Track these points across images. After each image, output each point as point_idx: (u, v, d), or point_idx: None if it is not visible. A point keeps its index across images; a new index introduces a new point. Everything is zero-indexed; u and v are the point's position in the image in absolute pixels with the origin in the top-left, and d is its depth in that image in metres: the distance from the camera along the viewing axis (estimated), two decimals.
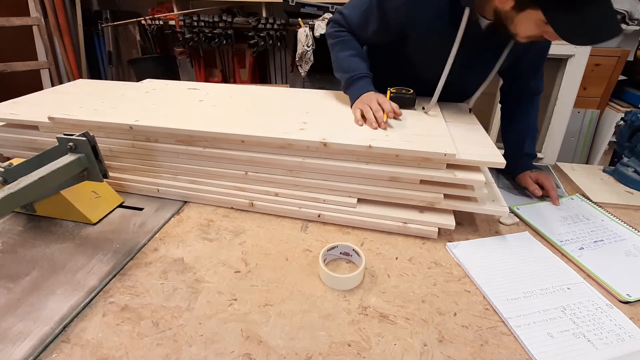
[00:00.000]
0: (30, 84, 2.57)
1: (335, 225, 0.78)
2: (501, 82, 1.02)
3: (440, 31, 0.81)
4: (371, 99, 0.85)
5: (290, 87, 2.58)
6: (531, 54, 0.89)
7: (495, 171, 0.99)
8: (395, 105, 0.84)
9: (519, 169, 0.97)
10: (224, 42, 2.48)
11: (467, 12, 0.75)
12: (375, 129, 0.78)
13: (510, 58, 0.84)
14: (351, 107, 0.90)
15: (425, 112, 0.89)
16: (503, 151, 0.97)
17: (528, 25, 0.69)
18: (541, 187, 0.91)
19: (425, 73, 0.96)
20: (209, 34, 2.44)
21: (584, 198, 0.91)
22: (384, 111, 0.81)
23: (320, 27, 2.21)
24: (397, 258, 0.70)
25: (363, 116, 0.83)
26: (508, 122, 1.02)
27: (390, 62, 0.98)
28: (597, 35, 0.64)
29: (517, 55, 0.87)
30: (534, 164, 0.99)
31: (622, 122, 1.02)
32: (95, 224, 0.77)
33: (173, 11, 2.56)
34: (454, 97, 1.02)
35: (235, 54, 2.71)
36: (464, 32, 0.77)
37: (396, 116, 0.83)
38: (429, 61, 0.90)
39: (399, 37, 0.88)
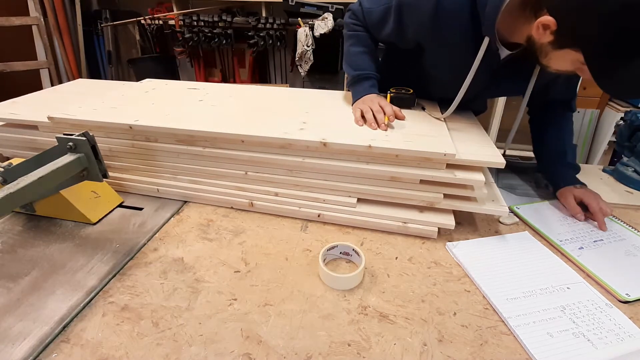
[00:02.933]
0: (29, 83, 2.57)
1: (335, 225, 0.78)
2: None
3: (459, 53, 0.78)
4: (373, 101, 0.84)
5: (290, 87, 2.58)
6: (560, 81, 0.85)
7: (496, 171, 0.99)
8: (396, 109, 0.83)
9: (561, 182, 0.87)
10: (224, 41, 2.48)
11: (486, 41, 0.72)
12: (375, 129, 0.78)
13: (536, 87, 0.81)
14: (352, 105, 0.90)
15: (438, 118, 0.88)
16: (536, 165, 0.91)
17: (564, 63, 0.65)
18: (586, 207, 0.82)
19: (437, 88, 0.96)
20: (209, 34, 2.44)
21: None
22: (384, 114, 0.80)
23: (320, 26, 2.21)
24: (397, 258, 0.70)
25: (363, 117, 0.82)
26: (543, 132, 0.94)
27: (406, 68, 0.96)
28: (629, 93, 0.61)
29: (544, 84, 0.83)
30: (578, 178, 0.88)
31: (621, 122, 1.02)
32: (95, 223, 0.77)
33: (173, 11, 2.56)
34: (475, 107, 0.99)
35: (235, 53, 2.71)
36: (482, 59, 0.73)
37: (398, 118, 0.83)
38: (443, 78, 0.89)
39: (416, 46, 0.85)
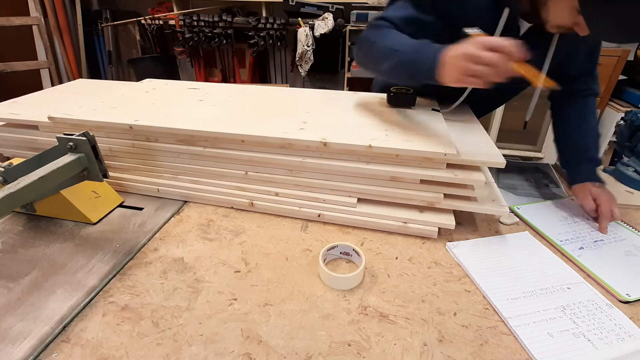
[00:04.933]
0: (30, 83, 2.57)
1: (335, 225, 0.78)
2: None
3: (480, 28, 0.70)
4: (467, 45, 0.59)
5: (290, 86, 2.58)
6: (579, 56, 0.82)
7: (496, 171, 0.99)
8: (513, 41, 0.57)
9: (578, 177, 0.83)
10: (224, 41, 2.48)
11: (505, 12, 0.69)
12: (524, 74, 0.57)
13: (555, 61, 0.76)
14: (443, 76, 0.63)
15: (437, 110, 0.84)
16: (557, 159, 0.86)
17: (561, 12, 0.63)
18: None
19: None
20: (209, 34, 2.45)
21: None
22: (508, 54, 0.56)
23: (321, 26, 2.21)
24: (397, 258, 0.70)
25: (472, 76, 0.58)
26: (564, 123, 0.89)
27: None
28: (632, 34, 0.56)
29: (562, 59, 0.78)
30: (598, 174, 0.83)
31: (622, 122, 1.02)
32: (95, 223, 0.77)
33: (173, 11, 2.56)
34: (485, 104, 0.92)
35: (235, 53, 2.72)
36: (501, 34, 0.69)
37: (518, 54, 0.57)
38: None
39: (441, 28, 0.75)
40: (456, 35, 0.64)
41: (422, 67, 0.66)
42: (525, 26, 0.73)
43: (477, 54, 0.56)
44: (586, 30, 0.60)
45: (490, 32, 0.70)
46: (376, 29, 0.77)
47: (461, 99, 0.81)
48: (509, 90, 0.86)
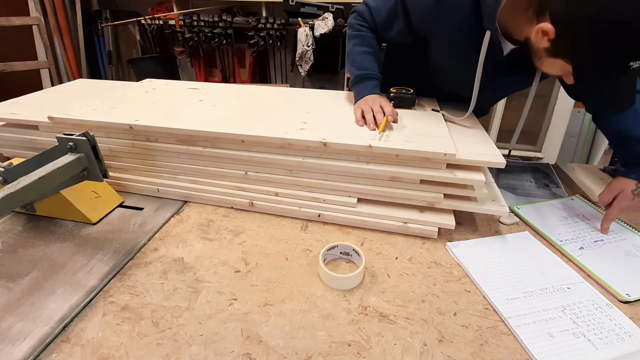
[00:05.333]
0: (30, 83, 2.57)
1: (335, 225, 0.78)
2: None
3: (461, 46, 0.79)
4: (374, 101, 0.84)
5: (290, 87, 2.58)
6: None
7: (496, 171, 0.99)
8: (395, 112, 0.83)
9: (627, 172, 0.78)
10: (224, 41, 2.48)
11: (487, 35, 0.72)
12: (373, 130, 0.78)
13: (543, 81, 0.81)
14: (354, 105, 0.90)
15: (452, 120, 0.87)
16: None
17: (554, 69, 0.67)
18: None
19: (443, 83, 0.95)
20: (209, 34, 2.44)
21: (583, 198, 0.90)
22: (384, 115, 0.80)
23: (320, 26, 2.21)
24: (397, 258, 0.70)
25: (364, 117, 0.82)
26: (617, 119, 0.82)
27: (409, 66, 0.96)
28: (612, 106, 0.63)
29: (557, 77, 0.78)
30: None
31: None
32: (95, 223, 0.77)
33: (173, 11, 2.56)
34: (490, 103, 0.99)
35: (235, 53, 2.71)
36: (487, 52, 0.74)
37: (394, 121, 0.82)
38: (449, 73, 0.89)
39: (422, 41, 0.85)
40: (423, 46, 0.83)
41: (354, 89, 0.93)
42: (508, 47, 0.76)
43: (370, 109, 0.82)
44: (572, 81, 0.64)
45: (474, 52, 0.75)
46: (357, 37, 0.93)
47: (470, 109, 0.84)
48: (506, 89, 0.89)
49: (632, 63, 0.57)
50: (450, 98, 0.97)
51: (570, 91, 0.86)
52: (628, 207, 0.77)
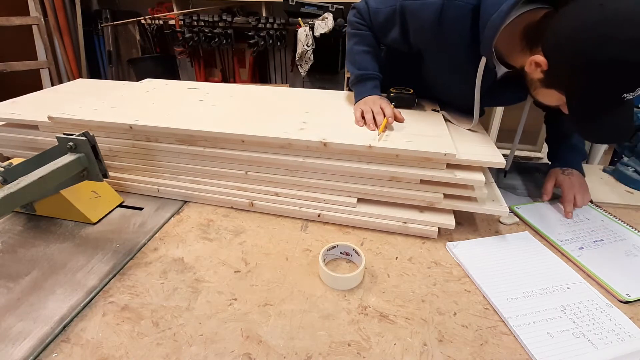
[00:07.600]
0: (30, 83, 2.57)
1: (335, 225, 0.78)
2: None
3: (458, 63, 0.79)
4: (375, 102, 0.84)
5: (290, 86, 2.58)
6: None
7: (496, 171, 0.99)
8: (397, 111, 0.83)
9: (555, 162, 0.87)
10: (224, 41, 2.48)
11: (483, 60, 0.73)
12: (373, 130, 0.78)
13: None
14: (354, 105, 0.90)
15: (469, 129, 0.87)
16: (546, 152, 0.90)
17: (550, 99, 0.67)
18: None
19: (439, 93, 0.96)
20: (209, 34, 2.44)
21: None
22: (384, 115, 0.79)
23: (320, 26, 2.21)
24: (397, 258, 0.70)
25: (363, 117, 0.82)
26: (555, 120, 0.93)
27: (408, 68, 0.96)
28: (606, 138, 0.64)
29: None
30: (577, 163, 0.87)
31: None
32: (95, 223, 0.77)
33: (173, 11, 2.56)
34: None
35: (235, 53, 2.71)
36: (484, 78, 0.75)
37: (397, 121, 0.82)
38: (443, 85, 0.90)
39: (417, 54, 0.86)
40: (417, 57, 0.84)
41: (355, 89, 0.93)
42: (502, 70, 0.76)
43: (370, 110, 0.82)
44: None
45: (472, 72, 0.77)
46: (357, 36, 0.92)
47: (476, 117, 0.84)
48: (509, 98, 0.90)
49: (625, 95, 0.57)
50: (448, 103, 0.97)
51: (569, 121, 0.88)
52: (571, 184, 0.84)
